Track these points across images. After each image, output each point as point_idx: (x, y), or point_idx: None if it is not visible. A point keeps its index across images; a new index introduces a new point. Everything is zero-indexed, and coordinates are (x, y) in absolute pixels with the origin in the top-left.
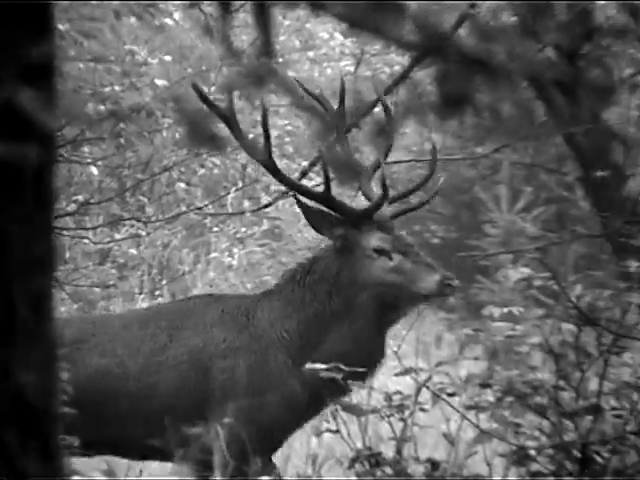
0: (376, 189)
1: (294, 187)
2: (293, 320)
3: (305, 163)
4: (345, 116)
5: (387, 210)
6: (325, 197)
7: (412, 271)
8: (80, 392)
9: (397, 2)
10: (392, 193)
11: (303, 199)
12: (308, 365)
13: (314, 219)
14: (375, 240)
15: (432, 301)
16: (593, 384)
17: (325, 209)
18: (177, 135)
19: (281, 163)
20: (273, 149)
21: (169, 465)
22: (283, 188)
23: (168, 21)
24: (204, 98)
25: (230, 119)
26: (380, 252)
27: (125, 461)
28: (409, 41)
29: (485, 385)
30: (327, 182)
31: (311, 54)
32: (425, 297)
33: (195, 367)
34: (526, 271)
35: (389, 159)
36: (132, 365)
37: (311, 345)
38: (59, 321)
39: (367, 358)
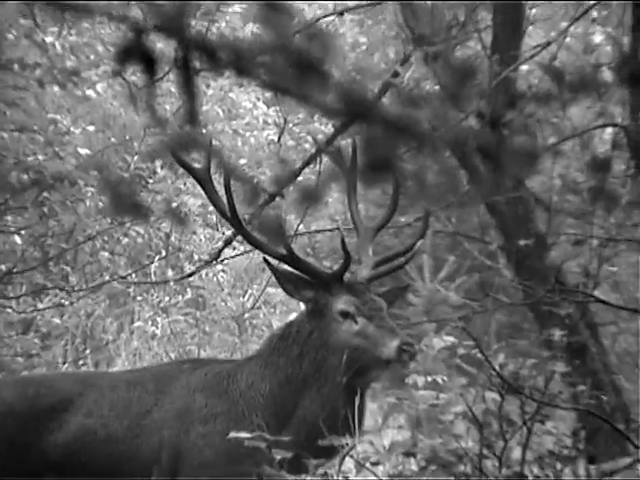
0: (370, 252)
1: (263, 249)
2: (267, 384)
3: (229, 232)
4: (357, 175)
5: (364, 273)
6: (290, 259)
7: (374, 335)
8: (65, 451)
9: (321, 70)
10: (377, 257)
11: (272, 261)
12: (232, 434)
13: (284, 282)
14: (341, 303)
15: (393, 367)
16: (517, 453)
17: (295, 272)
18: (100, 204)
19: (204, 232)
20: (196, 218)
21: None
22: (206, 257)
23: (91, 93)
24: (181, 161)
25: (205, 182)
26: (345, 315)
27: None
28: (334, 108)
29: (409, 454)
30: (288, 246)
31: (234, 123)
32: (386, 362)
33: (177, 431)
34: (450, 340)
35: (313, 227)
36: (117, 427)
37: (285, 410)
38: (51, 376)
39: (337, 425)
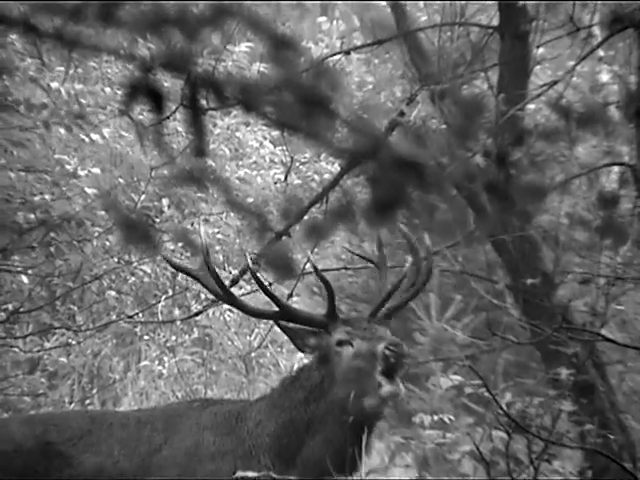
0: (389, 285)
1: (255, 313)
2: (273, 424)
3: (236, 271)
4: (386, 259)
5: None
6: (284, 313)
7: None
8: None
9: (329, 108)
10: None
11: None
12: (238, 473)
13: (295, 339)
14: (337, 334)
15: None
16: None
17: (297, 326)
18: (107, 243)
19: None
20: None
21: None
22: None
23: (97, 137)
24: (175, 266)
25: (202, 278)
26: (341, 344)
27: None
28: (341, 147)
29: None
30: (277, 300)
31: (241, 163)
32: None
33: (185, 469)
34: (456, 379)
35: (319, 266)
36: (127, 465)
37: (289, 451)
38: (60, 414)
39: (343, 464)
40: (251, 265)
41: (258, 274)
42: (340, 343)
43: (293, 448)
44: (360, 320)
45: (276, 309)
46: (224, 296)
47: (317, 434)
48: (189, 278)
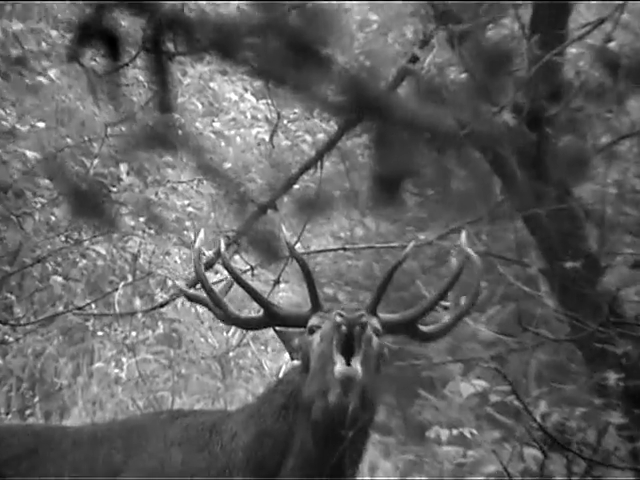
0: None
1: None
2: (248, 436)
3: (210, 252)
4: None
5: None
6: (270, 316)
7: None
8: None
9: (322, 54)
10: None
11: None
12: None
13: (285, 346)
14: (310, 322)
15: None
16: None
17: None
18: (52, 218)
19: (180, 253)
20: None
21: None
22: (182, 283)
23: (42, 80)
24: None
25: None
26: (312, 331)
27: None
28: (337, 102)
29: None
30: (263, 302)
31: (217, 121)
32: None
33: None
34: (480, 384)
35: (312, 247)
36: None
37: (266, 468)
38: None
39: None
40: (223, 249)
41: (239, 256)
42: (312, 330)
43: (271, 465)
44: (339, 307)
45: (260, 313)
46: (227, 317)
47: (297, 448)
48: (153, 261)
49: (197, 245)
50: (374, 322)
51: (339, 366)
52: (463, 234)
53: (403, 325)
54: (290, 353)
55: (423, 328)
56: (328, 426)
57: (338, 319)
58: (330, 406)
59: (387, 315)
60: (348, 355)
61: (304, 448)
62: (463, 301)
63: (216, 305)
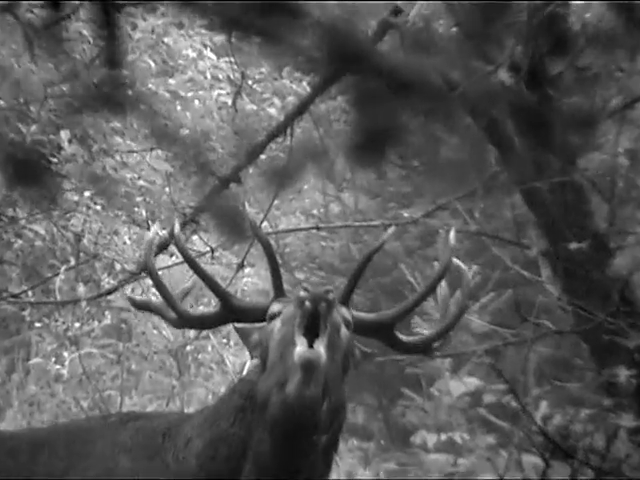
0: None
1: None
2: (202, 441)
3: (164, 232)
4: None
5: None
6: (226, 311)
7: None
8: None
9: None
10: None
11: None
12: None
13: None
14: (270, 309)
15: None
16: None
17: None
18: None
19: (130, 233)
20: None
21: None
22: (132, 267)
23: None
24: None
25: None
26: (272, 317)
27: None
28: (312, 57)
29: None
30: (220, 292)
31: (172, 81)
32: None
33: None
34: (472, 382)
35: (281, 225)
36: None
37: (222, 477)
38: None
39: None
40: (177, 231)
41: (197, 237)
42: (272, 317)
43: (226, 474)
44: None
45: (216, 308)
46: (179, 319)
47: (254, 454)
48: (99, 242)
49: (151, 236)
50: (344, 312)
51: (300, 348)
52: (452, 234)
53: (378, 327)
54: (250, 352)
55: (401, 336)
56: (287, 423)
57: (302, 294)
58: (288, 399)
59: (360, 313)
60: (311, 337)
61: (261, 452)
62: (451, 307)
63: (166, 302)
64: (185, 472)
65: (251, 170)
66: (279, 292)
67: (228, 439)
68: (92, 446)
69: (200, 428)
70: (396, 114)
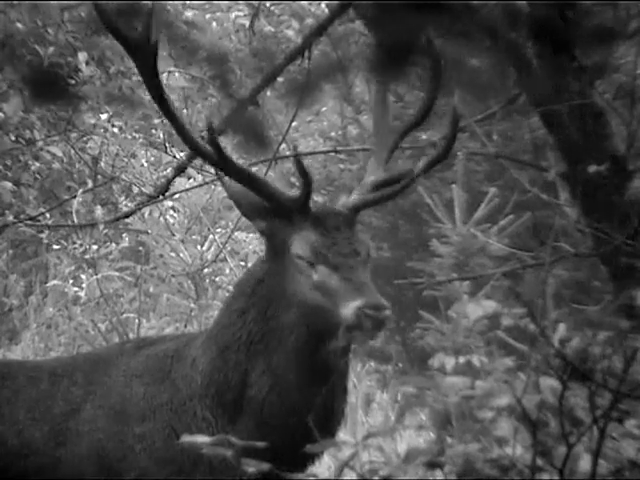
0: (381, 167)
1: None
2: (208, 355)
3: (182, 154)
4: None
5: (352, 198)
6: (244, 174)
7: (334, 291)
8: None
9: None
10: (379, 177)
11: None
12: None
13: (240, 205)
14: (298, 244)
15: (356, 336)
16: (584, 463)
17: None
18: (1, 114)
19: (147, 155)
20: (136, 135)
21: None
22: (150, 190)
23: None
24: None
25: (144, 56)
26: (303, 259)
27: None
28: None
29: (433, 464)
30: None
31: (189, 3)
32: (347, 329)
33: (109, 435)
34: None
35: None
36: (35, 434)
37: (231, 393)
38: None
39: (299, 415)
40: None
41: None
42: (300, 259)
43: (234, 389)
44: (335, 226)
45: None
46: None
47: (260, 365)
48: (116, 164)
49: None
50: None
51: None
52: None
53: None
54: (243, 212)
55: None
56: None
57: (369, 313)
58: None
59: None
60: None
61: (273, 361)
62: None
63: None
64: (194, 391)
65: (269, 93)
66: (304, 202)
67: (231, 346)
68: (108, 374)
69: (205, 345)
70: (415, 32)
